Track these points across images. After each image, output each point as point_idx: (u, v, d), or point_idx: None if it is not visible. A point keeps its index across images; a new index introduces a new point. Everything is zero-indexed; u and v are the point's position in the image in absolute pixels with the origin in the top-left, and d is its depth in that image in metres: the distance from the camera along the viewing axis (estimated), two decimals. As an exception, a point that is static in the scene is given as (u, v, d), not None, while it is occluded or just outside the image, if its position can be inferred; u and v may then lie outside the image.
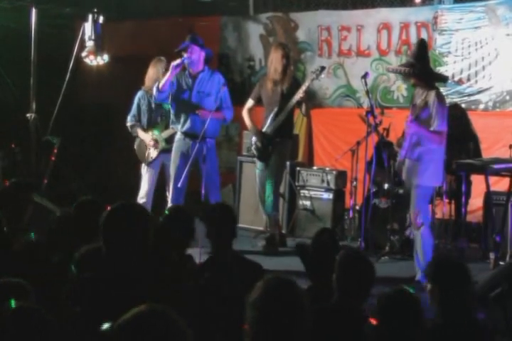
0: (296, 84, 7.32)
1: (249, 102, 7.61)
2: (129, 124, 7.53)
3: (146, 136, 7.43)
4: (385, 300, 2.92)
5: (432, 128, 6.01)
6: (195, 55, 6.92)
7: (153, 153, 7.39)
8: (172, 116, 7.15)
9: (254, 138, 7.53)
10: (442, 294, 3.29)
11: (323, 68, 7.45)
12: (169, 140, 7.32)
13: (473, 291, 3.41)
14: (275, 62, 7.40)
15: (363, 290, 3.46)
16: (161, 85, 6.88)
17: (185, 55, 6.92)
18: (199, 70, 6.99)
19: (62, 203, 4.74)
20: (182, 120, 7.01)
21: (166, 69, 7.21)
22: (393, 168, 7.21)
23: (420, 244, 6.13)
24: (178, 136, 7.08)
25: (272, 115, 7.38)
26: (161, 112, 7.47)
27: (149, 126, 7.47)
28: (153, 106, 7.45)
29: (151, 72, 7.48)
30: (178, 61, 6.85)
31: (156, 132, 7.43)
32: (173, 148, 7.10)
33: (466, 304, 3.30)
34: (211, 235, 4.24)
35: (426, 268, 3.52)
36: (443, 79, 6.71)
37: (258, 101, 7.57)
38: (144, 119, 7.49)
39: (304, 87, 7.19)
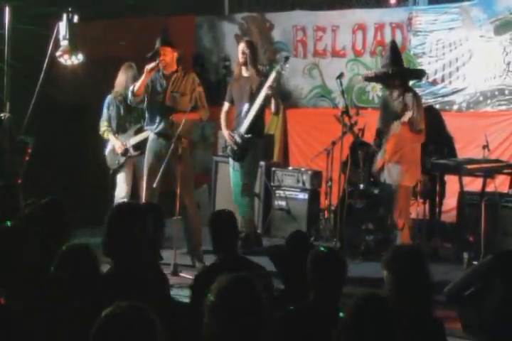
0: (266, 82, 7.30)
1: (225, 105, 7.65)
2: (101, 130, 7.53)
3: (115, 143, 7.43)
4: (355, 307, 2.87)
5: (413, 128, 6.08)
6: (169, 57, 6.91)
7: (121, 159, 7.40)
8: (146, 118, 7.13)
9: (227, 139, 7.54)
10: (395, 281, 3.30)
11: (287, 58, 7.45)
12: (137, 146, 7.33)
13: (428, 281, 3.38)
14: (238, 57, 7.47)
15: (337, 287, 3.46)
16: (136, 89, 6.86)
17: (158, 58, 6.92)
18: (172, 71, 6.99)
19: (35, 203, 4.68)
20: (156, 121, 7.00)
21: (135, 77, 7.21)
22: (368, 168, 7.23)
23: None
24: (152, 136, 7.06)
25: (242, 114, 7.38)
26: (131, 118, 7.47)
27: (118, 132, 7.47)
28: (121, 111, 7.44)
29: (121, 77, 7.46)
30: (152, 64, 6.83)
31: (124, 139, 7.44)
32: (147, 148, 7.09)
33: (417, 293, 3.28)
34: (216, 241, 4.36)
35: (383, 256, 3.50)
36: (420, 74, 6.75)
37: (233, 103, 7.59)
38: (114, 125, 7.48)
39: (269, 80, 7.18)
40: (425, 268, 3.37)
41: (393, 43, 6.57)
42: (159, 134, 6.99)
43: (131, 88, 6.96)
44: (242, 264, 4.24)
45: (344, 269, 3.51)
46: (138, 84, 6.88)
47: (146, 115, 7.12)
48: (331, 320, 3.20)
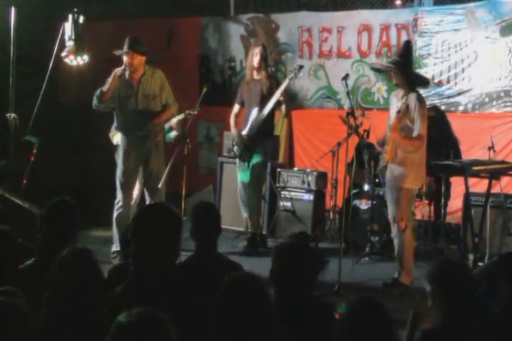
0: (276, 85, 7.36)
1: (235, 107, 7.68)
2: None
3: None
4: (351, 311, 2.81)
5: (414, 133, 6.06)
6: (137, 60, 6.87)
7: None
8: (118, 123, 7.08)
9: (235, 140, 7.56)
10: (444, 298, 3.15)
11: (301, 67, 7.50)
12: None
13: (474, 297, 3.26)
14: (250, 60, 7.51)
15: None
16: (103, 94, 6.77)
17: (125, 60, 6.81)
18: (140, 74, 6.94)
19: (40, 204, 4.68)
20: (130, 126, 6.93)
21: None
22: (373, 170, 7.22)
23: (402, 246, 6.16)
24: (123, 138, 7.01)
25: (251, 116, 7.40)
26: None
27: None
28: None
29: None
30: (119, 69, 6.79)
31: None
32: (121, 148, 7.06)
33: (468, 310, 3.16)
34: (195, 234, 4.19)
35: (428, 270, 3.35)
36: (425, 82, 6.69)
37: (243, 105, 7.61)
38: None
39: (282, 87, 7.23)
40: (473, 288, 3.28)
41: (408, 43, 6.56)
42: (134, 137, 6.93)
43: (97, 93, 6.84)
44: (219, 261, 4.11)
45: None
46: (105, 88, 6.79)
47: (117, 120, 7.08)
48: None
